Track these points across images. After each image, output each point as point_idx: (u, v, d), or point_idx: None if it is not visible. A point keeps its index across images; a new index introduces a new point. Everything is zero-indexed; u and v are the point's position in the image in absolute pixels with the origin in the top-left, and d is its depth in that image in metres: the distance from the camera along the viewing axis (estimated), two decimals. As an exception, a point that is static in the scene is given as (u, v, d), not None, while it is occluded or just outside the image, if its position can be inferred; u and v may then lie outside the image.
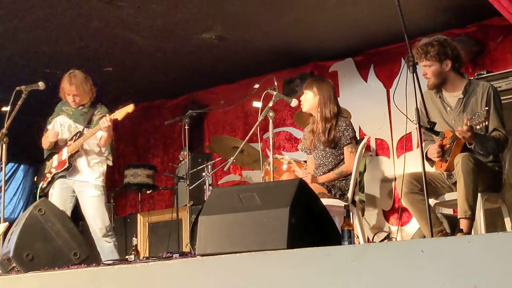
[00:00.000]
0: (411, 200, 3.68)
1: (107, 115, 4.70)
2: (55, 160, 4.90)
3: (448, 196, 3.83)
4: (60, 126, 4.96)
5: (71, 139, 4.87)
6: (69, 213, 4.78)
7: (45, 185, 4.87)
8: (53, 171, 4.85)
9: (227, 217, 2.69)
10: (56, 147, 4.94)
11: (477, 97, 3.77)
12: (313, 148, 4.49)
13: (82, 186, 4.83)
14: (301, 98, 4.49)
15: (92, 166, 4.87)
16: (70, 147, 4.80)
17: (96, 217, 4.78)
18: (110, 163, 5.01)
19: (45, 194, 4.87)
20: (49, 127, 5.02)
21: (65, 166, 4.78)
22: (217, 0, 5.24)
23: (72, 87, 4.83)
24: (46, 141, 4.94)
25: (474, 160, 3.49)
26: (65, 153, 4.83)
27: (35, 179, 5.10)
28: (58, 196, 4.80)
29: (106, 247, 4.72)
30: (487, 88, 3.78)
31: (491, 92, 3.76)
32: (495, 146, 3.66)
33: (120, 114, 4.69)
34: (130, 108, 4.69)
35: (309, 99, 4.45)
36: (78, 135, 4.84)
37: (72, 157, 4.80)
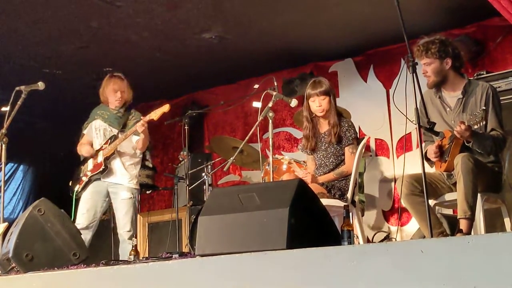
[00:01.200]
0: (411, 201, 3.68)
1: (142, 117, 4.79)
2: (90, 163, 4.97)
3: (448, 197, 3.83)
4: (95, 130, 5.04)
5: (106, 143, 4.94)
6: (98, 216, 4.90)
7: (80, 189, 4.93)
8: (89, 174, 4.92)
9: (227, 218, 2.69)
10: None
11: (476, 97, 3.78)
12: (315, 148, 4.49)
13: (116, 188, 4.91)
14: (318, 104, 4.41)
15: (127, 168, 4.95)
16: (106, 150, 4.89)
17: (126, 220, 4.86)
18: (151, 165, 5.09)
19: (80, 197, 4.94)
20: (85, 131, 5.11)
21: (101, 169, 4.85)
22: (217, 0, 5.24)
23: (123, 83, 4.98)
24: (81, 149, 5.03)
25: (474, 161, 3.49)
26: (100, 156, 4.90)
27: (70, 184, 5.13)
28: (90, 198, 4.88)
29: (128, 249, 4.74)
30: (486, 88, 3.79)
31: (490, 92, 3.77)
32: (493, 145, 3.66)
33: (155, 114, 4.79)
34: (166, 108, 4.80)
35: (327, 104, 4.43)
36: (113, 138, 4.91)
37: (108, 159, 4.87)
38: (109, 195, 4.95)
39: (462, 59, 3.94)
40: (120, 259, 4.67)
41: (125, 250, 4.80)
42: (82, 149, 5.04)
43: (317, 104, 4.41)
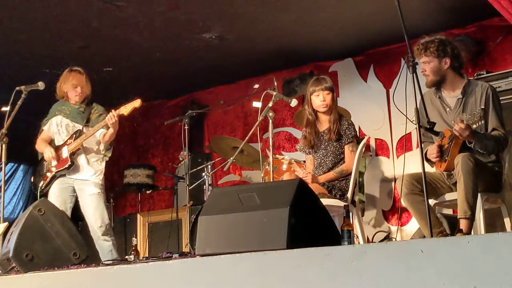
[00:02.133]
0: (411, 201, 3.68)
1: (113, 110, 4.68)
2: (53, 160, 4.88)
3: (448, 196, 3.83)
4: (56, 126, 4.96)
5: (70, 138, 4.86)
6: (69, 213, 4.78)
7: (45, 185, 4.86)
8: (54, 170, 4.84)
9: (227, 217, 2.69)
10: (53, 147, 4.93)
11: (476, 97, 3.78)
12: (314, 147, 4.49)
13: (82, 184, 4.83)
14: (322, 99, 4.43)
15: (92, 164, 4.87)
16: (71, 146, 4.80)
17: (96, 215, 4.77)
18: (107, 159, 5.00)
19: (44, 194, 4.86)
20: (45, 128, 5.02)
21: (67, 164, 4.77)
22: (217, 0, 5.24)
23: (82, 77, 4.88)
24: (41, 146, 4.95)
25: (474, 160, 3.49)
26: (65, 152, 4.82)
27: (33, 180, 5.10)
28: (58, 196, 4.79)
29: (105, 246, 4.72)
30: (485, 88, 3.79)
31: (490, 92, 3.77)
32: (495, 145, 3.66)
33: (126, 109, 4.69)
34: (137, 103, 4.70)
35: (330, 99, 4.44)
36: (78, 133, 4.84)
37: (73, 155, 4.80)
38: (75, 192, 4.85)
39: (462, 59, 3.94)
40: (101, 257, 4.59)
41: (102, 246, 4.73)
42: (42, 146, 4.94)
43: (321, 98, 4.42)
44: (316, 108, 4.47)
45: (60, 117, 4.95)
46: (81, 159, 4.85)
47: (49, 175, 4.87)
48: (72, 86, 4.87)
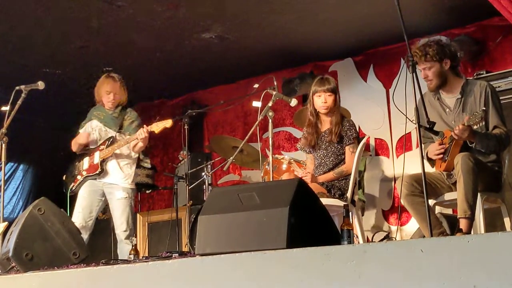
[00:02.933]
0: (411, 202, 3.68)
1: (145, 126, 4.76)
2: (86, 162, 4.95)
3: (448, 196, 3.83)
4: (92, 130, 5.04)
5: (103, 144, 4.93)
6: (94, 215, 4.90)
7: (75, 187, 4.92)
8: (84, 173, 4.91)
9: (227, 217, 2.69)
10: (86, 149, 5.01)
11: (475, 96, 3.77)
12: (315, 147, 4.49)
13: (111, 188, 4.90)
14: (324, 100, 4.41)
15: (122, 168, 4.94)
16: (103, 152, 4.88)
17: (122, 219, 4.86)
18: (149, 165, 5.09)
19: (74, 194, 4.93)
20: (81, 131, 5.09)
21: (97, 171, 4.85)
22: (217, 0, 5.24)
23: (116, 84, 4.95)
24: (76, 143, 5.01)
25: (474, 160, 3.49)
26: (97, 157, 4.89)
27: (64, 179, 5.13)
28: (86, 197, 4.87)
29: (126, 249, 4.75)
30: (484, 87, 3.78)
31: (489, 90, 3.76)
32: (496, 144, 3.66)
33: (157, 127, 4.78)
34: (168, 123, 4.79)
35: (332, 101, 4.43)
36: (111, 140, 4.91)
37: (104, 161, 4.87)
38: (105, 195, 4.94)
39: (459, 59, 3.94)
40: (120, 257, 4.67)
41: (122, 250, 4.81)
42: (76, 143, 5.00)
43: (323, 100, 4.41)
44: (317, 109, 4.47)
45: (95, 121, 5.03)
46: (112, 164, 4.92)
47: (79, 177, 4.93)
48: (106, 92, 4.94)
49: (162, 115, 7.61)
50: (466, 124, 3.56)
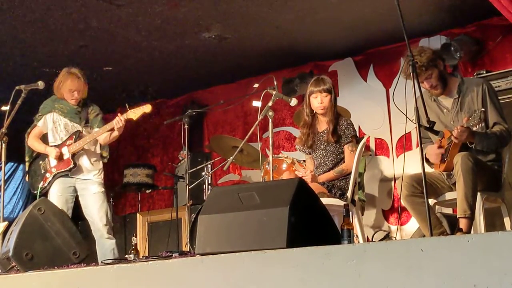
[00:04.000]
0: (411, 202, 3.67)
1: (119, 114, 4.68)
2: (52, 160, 4.83)
3: (448, 196, 3.83)
4: (53, 123, 4.91)
5: (70, 138, 4.83)
6: (70, 212, 4.77)
7: (45, 185, 4.82)
8: (54, 170, 4.81)
9: (227, 217, 2.69)
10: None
11: (472, 95, 3.77)
12: (313, 147, 4.49)
13: (85, 183, 4.82)
14: (320, 101, 4.41)
15: (93, 163, 4.88)
16: (72, 147, 4.77)
17: (101, 214, 4.77)
18: (106, 161, 5.01)
19: (44, 194, 4.83)
20: (39, 124, 4.95)
21: (70, 166, 4.76)
22: (217, 0, 5.25)
23: (75, 82, 4.80)
24: (36, 145, 4.90)
25: (473, 160, 3.49)
26: (66, 153, 4.79)
27: (28, 179, 5.03)
28: (60, 195, 4.77)
29: (108, 244, 4.71)
30: (481, 84, 3.78)
31: (486, 88, 3.76)
32: (497, 142, 3.65)
33: (135, 114, 4.69)
34: (147, 108, 4.71)
35: (328, 101, 4.42)
36: (78, 134, 4.83)
37: (75, 156, 4.79)
38: (76, 191, 4.84)
39: (444, 57, 3.97)
40: (99, 257, 4.58)
41: (104, 246, 4.72)
42: (36, 144, 4.90)
43: (319, 101, 4.41)
44: (314, 110, 4.47)
45: (57, 114, 4.90)
46: (83, 159, 4.84)
47: (48, 175, 4.83)
48: (69, 90, 4.82)
49: (162, 115, 7.63)
50: (465, 126, 3.56)
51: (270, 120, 4.23)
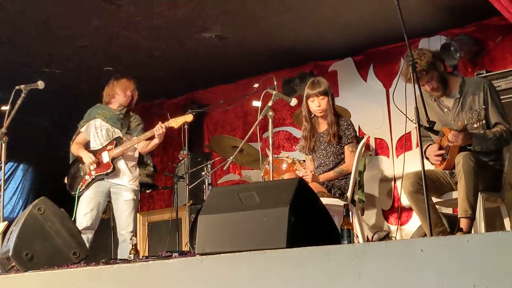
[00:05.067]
0: (416, 199, 3.65)
1: (161, 122, 4.78)
2: (93, 164, 4.92)
3: (449, 196, 3.83)
4: (95, 129, 5.04)
5: (110, 143, 4.95)
6: (100, 215, 4.94)
7: (84, 187, 4.92)
8: (93, 173, 4.91)
9: (227, 216, 2.69)
10: (90, 151, 5.00)
11: (474, 95, 3.77)
12: (314, 148, 4.49)
13: (119, 189, 4.93)
14: (317, 104, 4.40)
15: (130, 169, 4.98)
16: (112, 152, 4.90)
17: (129, 221, 4.90)
18: (151, 164, 5.12)
19: (80, 196, 4.94)
20: (82, 130, 5.09)
21: (109, 170, 4.87)
22: (217, 0, 5.24)
23: (131, 84, 5.01)
24: (76, 150, 5.03)
25: (475, 159, 3.49)
26: (106, 157, 4.90)
27: (66, 181, 5.11)
28: (94, 198, 4.89)
29: (128, 249, 4.76)
30: (482, 84, 3.78)
31: (487, 87, 3.76)
32: (496, 143, 3.65)
33: (176, 122, 4.80)
34: (189, 117, 4.82)
35: (326, 104, 4.42)
36: (118, 140, 4.94)
37: (114, 160, 4.89)
38: (110, 195, 4.97)
39: (443, 57, 3.96)
40: (119, 257, 4.68)
41: (124, 249, 4.82)
42: (77, 149, 5.03)
43: (317, 104, 4.41)
44: (313, 113, 4.48)
45: (100, 120, 5.04)
46: (121, 165, 4.95)
47: (87, 178, 4.93)
48: (124, 89, 5.00)
49: (162, 115, 7.63)
50: (465, 123, 3.57)
51: (270, 120, 4.23)
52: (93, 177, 4.91)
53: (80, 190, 4.93)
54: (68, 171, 5.13)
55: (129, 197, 4.92)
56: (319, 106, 4.40)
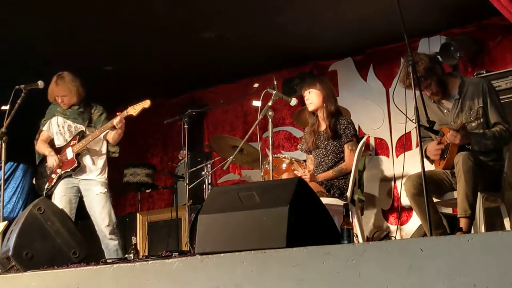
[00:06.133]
0: (418, 201, 3.63)
1: (118, 113, 4.70)
2: (58, 167, 4.87)
3: (449, 195, 3.83)
4: (57, 126, 4.96)
5: (74, 139, 4.87)
6: (73, 212, 4.82)
7: (51, 186, 4.86)
8: (59, 171, 4.84)
9: (227, 216, 2.69)
10: (54, 149, 4.93)
11: (473, 95, 3.77)
12: (314, 147, 4.50)
13: (89, 184, 4.85)
14: (306, 98, 4.48)
15: (96, 163, 4.90)
16: (75, 147, 4.81)
17: (103, 214, 4.79)
18: (116, 155, 5.04)
19: (49, 195, 4.86)
20: (44, 128, 5.02)
21: (74, 165, 4.79)
22: (217, 0, 5.25)
23: (59, 88, 4.84)
24: (43, 148, 4.95)
25: (474, 159, 3.49)
26: (70, 153, 4.82)
27: (34, 182, 5.08)
28: (64, 195, 4.81)
29: (111, 245, 4.74)
30: (481, 84, 3.78)
31: (486, 87, 3.76)
32: (495, 143, 3.65)
33: (135, 110, 4.71)
34: (146, 103, 4.72)
35: (314, 97, 4.46)
36: (81, 134, 4.86)
37: (79, 155, 4.82)
38: (80, 192, 4.87)
39: (440, 60, 3.96)
40: (106, 256, 4.61)
41: (108, 246, 4.75)
42: (44, 147, 4.95)
43: (306, 98, 4.49)
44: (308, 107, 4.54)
45: (61, 118, 4.96)
46: (86, 160, 4.87)
47: (54, 176, 4.87)
48: (56, 96, 4.87)
49: (162, 115, 7.62)
50: (464, 122, 3.57)
51: (270, 120, 4.23)
52: (59, 175, 4.82)
53: (48, 189, 4.85)
54: (36, 171, 5.06)
55: (99, 191, 4.81)
56: (307, 100, 4.46)
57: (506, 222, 3.83)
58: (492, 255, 1.95)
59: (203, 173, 5.96)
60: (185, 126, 5.19)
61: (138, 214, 6.83)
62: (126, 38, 5.92)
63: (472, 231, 3.50)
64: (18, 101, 4.62)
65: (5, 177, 7.50)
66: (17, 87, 4.65)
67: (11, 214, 7.65)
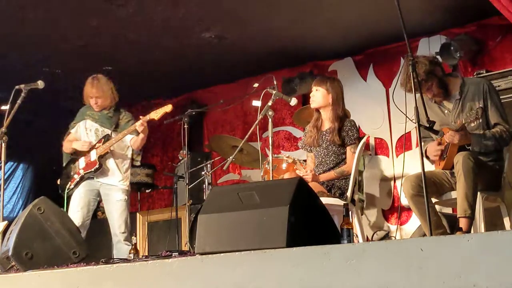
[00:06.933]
0: (417, 202, 3.63)
1: (141, 116, 4.77)
2: (82, 162, 4.93)
3: (448, 195, 3.83)
4: (85, 130, 5.02)
5: (99, 142, 4.92)
6: (91, 215, 4.90)
7: (72, 186, 4.89)
8: (81, 172, 4.88)
9: (227, 216, 2.69)
10: (78, 151, 4.98)
11: (473, 95, 3.77)
12: (315, 145, 4.49)
13: (110, 189, 4.90)
14: (312, 94, 4.47)
15: (120, 169, 4.94)
16: (99, 149, 4.86)
17: (121, 221, 4.85)
18: (138, 163, 5.08)
19: (70, 195, 4.90)
20: (72, 131, 5.07)
21: (96, 167, 4.83)
22: (217, 0, 5.25)
23: (94, 90, 4.90)
24: (69, 146, 5.00)
25: (474, 159, 3.49)
26: (94, 155, 4.87)
27: (59, 182, 5.09)
28: (83, 197, 4.86)
29: (124, 249, 4.77)
30: (481, 84, 3.78)
31: (486, 87, 3.76)
32: (495, 143, 3.65)
33: (157, 114, 4.80)
34: (168, 108, 4.82)
35: (320, 96, 4.44)
36: (107, 138, 4.90)
37: (102, 158, 4.85)
38: (100, 195, 4.93)
39: (440, 61, 3.96)
40: (115, 256, 4.66)
41: (121, 249, 4.80)
42: (70, 145, 4.99)
43: (312, 94, 4.49)
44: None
45: (89, 121, 5.01)
46: (110, 163, 4.92)
47: (76, 177, 4.91)
48: (90, 97, 4.93)
49: (163, 116, 7.62)
50: (463, 122, 3.57)
51: (270, 120, 4.23)
52: (82, 175, 4.86)
53: (69, 189, 4.88)
54: (62, 172, 5.10)
55: (120, 198, 4.87)
56: (312, 96, 4.47)
57: (506, 222, 3.83)
58: (492, 255, 1.95)
59: (203, 173, 5.96)
60: (185, 126, 5.19)
61: (138, 214, 6.83)
62: (126, 38, 5.92)
63: (472, 231, 3.50)
64: (18, 101, 4.62)
65: (5, 177, 7.51)
66: (17, 87, 4.66)
67: (11, 214, 7.66)
